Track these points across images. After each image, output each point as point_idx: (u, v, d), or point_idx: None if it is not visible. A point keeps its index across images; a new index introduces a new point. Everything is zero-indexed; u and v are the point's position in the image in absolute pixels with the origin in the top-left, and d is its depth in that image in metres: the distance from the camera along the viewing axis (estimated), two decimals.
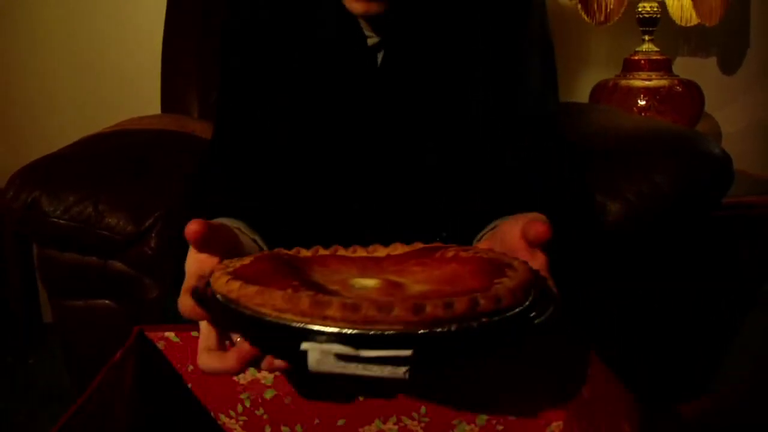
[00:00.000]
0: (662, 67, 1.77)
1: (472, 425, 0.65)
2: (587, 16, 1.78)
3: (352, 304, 0.46)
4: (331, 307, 0.47)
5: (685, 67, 1.97)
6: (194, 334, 0.62)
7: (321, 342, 0.47)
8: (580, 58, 1.99)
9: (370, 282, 0.55)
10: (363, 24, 0.86)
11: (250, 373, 0.64)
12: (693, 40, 2.02)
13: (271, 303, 0.49)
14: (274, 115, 0.89)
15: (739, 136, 2.05)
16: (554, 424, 0.65)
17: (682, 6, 1.78)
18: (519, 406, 0.65)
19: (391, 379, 0.49)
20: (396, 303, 0.46)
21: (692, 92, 1.74)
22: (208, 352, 0.57)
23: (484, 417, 0.65)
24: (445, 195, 0.88)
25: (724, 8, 1.73)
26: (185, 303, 0.57)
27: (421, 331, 0.46)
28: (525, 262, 0.57)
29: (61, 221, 1.09)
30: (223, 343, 0.58)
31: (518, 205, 0.70)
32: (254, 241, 0.72)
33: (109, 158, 1.19)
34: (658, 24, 1.78)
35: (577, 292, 0.63)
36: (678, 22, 1.81)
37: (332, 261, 0.61)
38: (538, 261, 0.59)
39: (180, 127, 1.38)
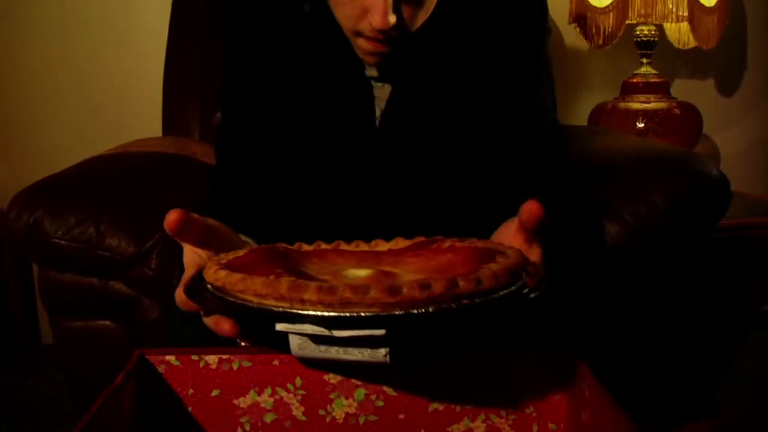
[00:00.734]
0: (660, 89, 1.78)
1: None
2: (586, 40, 1.79)
3: (328, 287, 0.47)
4: (308, 290, 0.47)
5: (683, 89, 1.98)
6: (194, 357, 0.62)
7: (297, 324, 0.48)
8: (579, 81, 2.00)
9: (362, 272, 0.56)
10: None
11: (251, 397, 0.64)
12: (691, 62, 2.03)
13: (252, 289, 0.50)
14: (279, 139, 0.90)
15: (738, 157, 2.06)
16: None
17: (679, 29, 1.80)
18: None
19: (373, 363, 0.49)
20: (372, 285, 0.47)
21: (690, 114, 1.75)
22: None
23: None
24: (448, 209, 0.89)
25: (721, 31, 1.75)
26: (179, 296, 0.59)
27: (398, 312, 0.47)
28: (519, 251, 0.57)
29: (63, 242, 1.10)
30: None
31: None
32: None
33: (111, 180, 1.20)
34: (656, 47, 1.80)
35: (575, 303, 0.63)
36: (676, 45, 1.83)
37: (331, 254, 0.62)
38: (534, 253, 0.60)
39: (181, 149, 1.39)
